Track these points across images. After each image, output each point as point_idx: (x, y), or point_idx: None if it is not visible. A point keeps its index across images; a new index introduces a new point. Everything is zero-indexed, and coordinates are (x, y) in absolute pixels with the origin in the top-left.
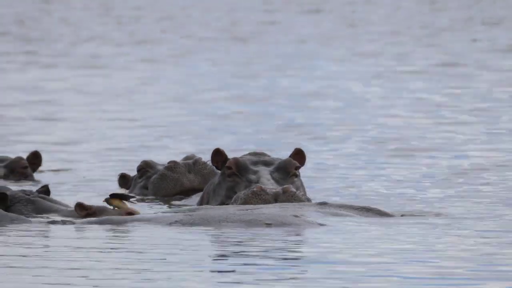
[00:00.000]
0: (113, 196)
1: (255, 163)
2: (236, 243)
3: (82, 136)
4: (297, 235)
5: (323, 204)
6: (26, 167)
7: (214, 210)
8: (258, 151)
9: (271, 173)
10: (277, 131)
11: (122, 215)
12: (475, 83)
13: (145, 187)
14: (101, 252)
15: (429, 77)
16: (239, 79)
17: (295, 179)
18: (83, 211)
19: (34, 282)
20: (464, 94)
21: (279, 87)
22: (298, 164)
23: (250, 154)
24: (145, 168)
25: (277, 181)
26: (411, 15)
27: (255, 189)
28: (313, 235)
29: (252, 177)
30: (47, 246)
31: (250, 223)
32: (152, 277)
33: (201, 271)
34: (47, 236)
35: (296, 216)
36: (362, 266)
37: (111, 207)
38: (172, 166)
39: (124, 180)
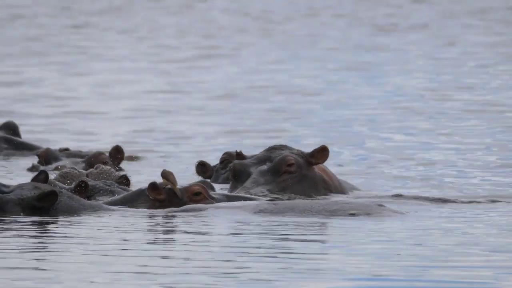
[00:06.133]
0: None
1: (258, 162)
2: (319, 231)
3: (157, 126)
4: (383, 223)
5: (398, 196)
6: (105, 162)
7: (299, 200)
8: (278, 144)
9: (263, 173)
10: None
11: (183, 193)
12: None
13: (228, 179)
14: (194, 240)
15: None
16: None
17: (287, 176)
18: (155, 191)
19: (132, 268)
20: None
21: None
22: (290, 162)
23: (266, 150)
24: (229, 159)
25: (267, 180)
26: None
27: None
28: (397, 224)
29: (246, 181)
30: (137, 234)
31: (334, 212)
32: (245, 265)
33: (289, 257)
34: (134, 225)
35: (380, 205)
36: (445, 252)
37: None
38: (226, 158)
39: (203, 168)
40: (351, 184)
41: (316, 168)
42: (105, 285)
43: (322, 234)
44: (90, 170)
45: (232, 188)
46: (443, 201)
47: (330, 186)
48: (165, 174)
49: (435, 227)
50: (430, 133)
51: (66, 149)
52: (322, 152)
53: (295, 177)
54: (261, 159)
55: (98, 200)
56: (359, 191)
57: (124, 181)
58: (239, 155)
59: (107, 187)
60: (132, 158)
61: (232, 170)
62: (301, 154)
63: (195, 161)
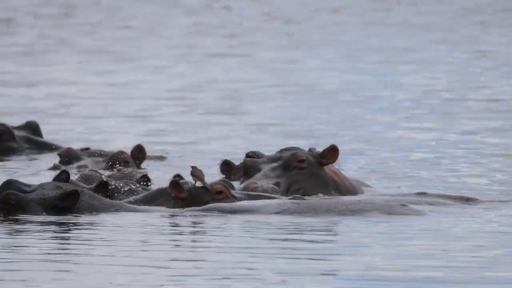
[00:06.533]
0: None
1: (269, 161)
2: (342, 231)
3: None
4: (403, 223)
5: (422, 194)
6: (127, 161)
7: (321, 199)
8: (290, 146)
9: (274, 168)
10: None
11: (210, 191)
12: None
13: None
14: (216, 239)
15: None
16: None
17: (297, 172)
18: (177, 189)
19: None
20: None
21: None
22: (301, 158)
23: (277, 151)
24: (254, 158)
25: (277, 175)
26: None
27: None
28: (418, 223)
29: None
30: (160, 232)
31: (357, 212)
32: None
33: (311, 257)
34: (155, 224)
35: (403, 205)
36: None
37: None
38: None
39: (227, 167)
40: (367, 185)
41: (327, 169)
42: (127, 285)
43: (345, 234)
44: (112, 173)
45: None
46: (466, 199)
47: (340, 187)
48: (195, 171)
49: (458, 228)
50: (448, 132)
51: (87, 149)
52: (332, 152)
53: (305, 173)
54: (272, 159)
55: (119, 199)
56: (372, 190)
57: (145, 180)
58: (253, 155)
59: (128, 186)
60: (154, 158)
61: (243, 167)
62: (312, 154)
63: (217, 160)
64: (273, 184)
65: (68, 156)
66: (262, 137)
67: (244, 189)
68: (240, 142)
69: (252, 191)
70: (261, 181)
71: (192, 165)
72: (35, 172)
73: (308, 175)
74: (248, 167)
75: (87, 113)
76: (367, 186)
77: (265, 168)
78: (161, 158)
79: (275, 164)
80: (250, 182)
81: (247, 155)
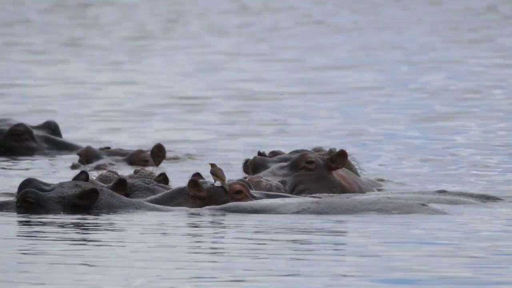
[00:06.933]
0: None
1: (279, 161)
2: (362, 230)
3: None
4: (423, 222)
5: (442, 192)
6: (146, 160)
7: (341, 199)
8: (300, 149)
9: (281, 167)
10: None
11: (229, 190)
12: None
13: None
14: (235, 238)
15: None
16: None
17: (304, 172)
18: (196, 188)
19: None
20: None
21: None
22: (310, 160)
23: (290, 152)
24: None
25: (284, 173)
26: None
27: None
28: (438, 222)
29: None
30: (181, 232)
31: (377, 212)
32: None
33: (339, 255)
34: (174, 223)
35: (423, 204)
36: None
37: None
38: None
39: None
40: (380, 185)
41: (335, 174)
42: (145, 285)
43: (365, 234)
44: (130, 174)
45: None
46: (487, 197)
47: (347, 191)
48: (214, 170)
49: (479, 227)
50: (479, 133)
51: (107, 148)
52: (341, 157)
53: (312, 175)
54: (282, 159)
55: (136, 197)
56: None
57: (163, 178)
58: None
59: (146, 185)
60: (170, 158)
61: (252, 164)
62: (322, 158)
63: (240, 160)
64: (278, 182)
65: (88, 155)
66: (287, 137)
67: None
68: (268, 141)
69: (255, 185)
70: (267, 177)
71: (211, 162)
72: (54, 171)
73: (314, 177)
74: (257, 165)
75: (100, 112)
76: (380, 186)
77: (273, 166)
78: (176, 158)
79: (283, 164)
80: (254, 176)
81: (259, 153)
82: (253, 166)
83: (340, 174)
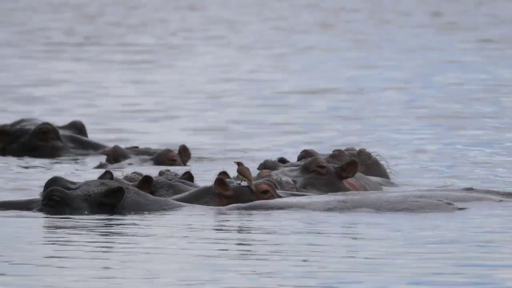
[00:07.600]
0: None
1: (289, 165)
2: (389, 229)
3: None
4: (450, 221)
5: (469, 189)
6: (174, 160)
7: (367, 198)
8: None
9: (292, 170)
10: None
11: (256, 189)
12: None
13: None
14: (263, 237)
15: None
16: None
17: (314, 175)
18: (222, 187)
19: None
20: None
21: None
22: (321, 164)
23: (302, 159)
24: (307, 157)
25: (295, 175)
26: None
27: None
28: (464, 221)
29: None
30: (207, 230)
31: (403, 211)
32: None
33: (359, 255)
34: (200, 222)
35: (449, 203)
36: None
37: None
38: (337, 154)
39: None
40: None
41: (346, 183)
42: (171, 284)
43: (391, 233)
44: (155, 176)
45: None
46: None
47: None
48: (241, 170)
49: (506, 225)
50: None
51: (136, 147)
52: (351, 166)
53: (322, 179)
54: (294, 164)
55: (161, 195)
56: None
57: (188, 177)
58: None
59: (168, 181)
60: (201, 159)
61: (261, 167)
62: (333, 166)
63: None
64: (289, 179)
65: (115, 155)
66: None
67: (258, 176)
68: (296, 140)
69: (264, 178)
70: (275, 176)
71: (238, 161)
72: (80, 170)
73: (324, 182)
74: (269, 167)
75: (121, 112)
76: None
77: (284, 168)
78: (201, 158)
79: (294, 167)
80: (264, 170)
81: (302, 155)
82: (264, 168)
83: (350, 182)
